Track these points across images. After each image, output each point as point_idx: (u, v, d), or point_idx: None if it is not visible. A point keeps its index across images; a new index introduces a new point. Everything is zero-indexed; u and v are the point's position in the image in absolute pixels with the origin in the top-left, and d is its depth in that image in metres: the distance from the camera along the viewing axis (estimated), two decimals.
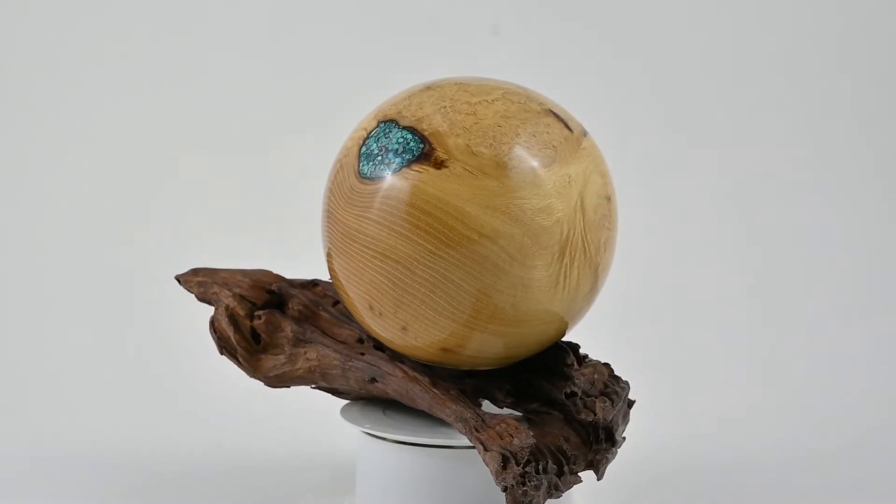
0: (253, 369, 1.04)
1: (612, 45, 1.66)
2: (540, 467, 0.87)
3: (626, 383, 0.96)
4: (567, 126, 0.94)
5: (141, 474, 1.11)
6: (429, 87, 0.95)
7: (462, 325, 0.91)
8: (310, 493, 1.07)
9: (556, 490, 0.87)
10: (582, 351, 0.98)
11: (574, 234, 0.91)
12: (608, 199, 0.95)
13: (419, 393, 0.96)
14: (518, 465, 0.87)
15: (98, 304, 1.47)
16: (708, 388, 1.34)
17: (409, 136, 0.91)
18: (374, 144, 0.93)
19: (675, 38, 1.67)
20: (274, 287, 1.07)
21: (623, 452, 1.03)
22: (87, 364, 1.36)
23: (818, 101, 1.64)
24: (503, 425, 0.90)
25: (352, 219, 0.93)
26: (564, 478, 0.88)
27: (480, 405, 0.96)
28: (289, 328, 1.04)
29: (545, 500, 0.87)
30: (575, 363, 0.96)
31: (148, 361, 1.38)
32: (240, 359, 1.04)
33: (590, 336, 1.04)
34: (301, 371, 1.03)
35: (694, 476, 1.14)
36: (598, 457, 0.92)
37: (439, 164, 0.90)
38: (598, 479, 0.92)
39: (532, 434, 0.89)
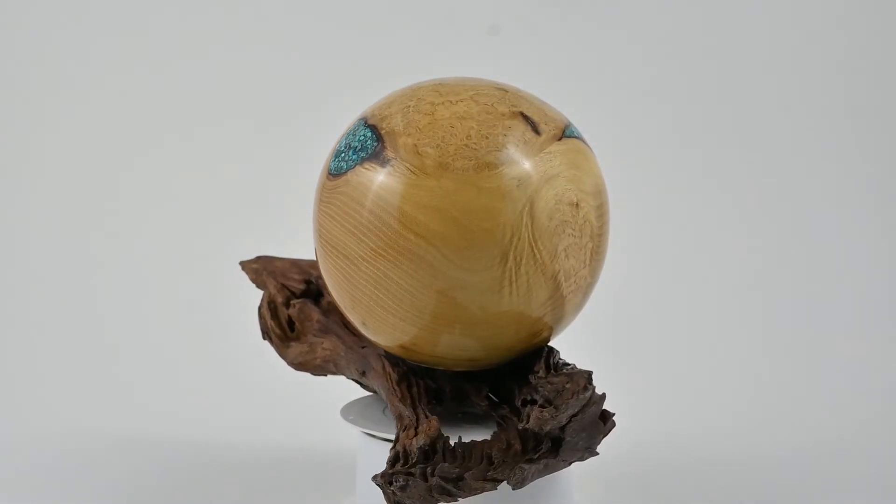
0: (284, 355, 1.09)
1: (613, 45, 1.60)
2: (428, 470, 0.86)
3: (598, 396, 0.91)
4: (535, 129, 0.92)
5: (141, 471, 1.13)
6: (411, 88, 0.95)
7: (410, 324, 0.91)
8: (310, 493, 1.08)
9: (444, 494, 0.86)
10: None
11: (519, 239, 0.89)
12: (574, 205, 0.91)
13: (387, 388, 0.97)
14: (406, 464, 0.86)
15: (102, 300, 1.50)
16: (709, 388, 1.30)
17: (369, 135, 0.93)
18: (344, 142, 0.95)
19: (676, 38, 1.61)
20: (313, 277, 1.10)
21: (626, 453, 1.01)
22: (87, 359, 1.39)
23: (817, 102, 1.58)
24: (426, 426, 0.89)
25: (319, 214, 0.95)
26: (465, 483, 0.87)
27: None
28: (316, 318, 1.07)
29: (425, 502, 0.86)
30: (542, 370, 0.93)
31: (151, 360, 1.40)
32: (274, 345, 1.09)
33: (592, 338, 1.02)
34: (319, 360, 1.06)
35: (694, 476, 1.11)
36: (520, 465, 0.89)
37: (386, 163, 0.91)
38: (514, 489, 0.90)
39: (430, 436, 0.88)
